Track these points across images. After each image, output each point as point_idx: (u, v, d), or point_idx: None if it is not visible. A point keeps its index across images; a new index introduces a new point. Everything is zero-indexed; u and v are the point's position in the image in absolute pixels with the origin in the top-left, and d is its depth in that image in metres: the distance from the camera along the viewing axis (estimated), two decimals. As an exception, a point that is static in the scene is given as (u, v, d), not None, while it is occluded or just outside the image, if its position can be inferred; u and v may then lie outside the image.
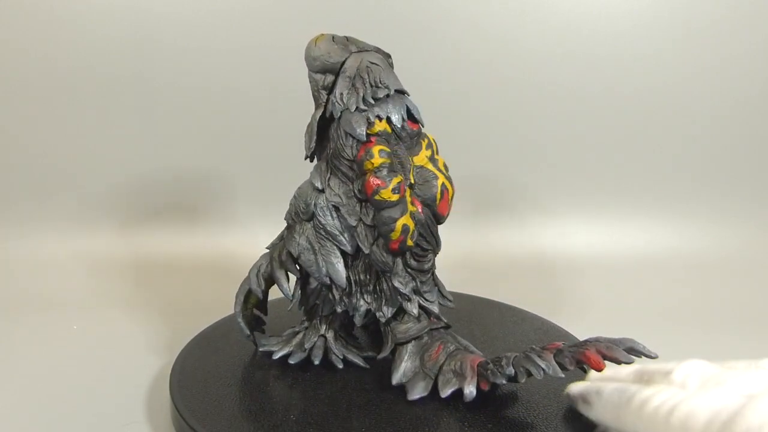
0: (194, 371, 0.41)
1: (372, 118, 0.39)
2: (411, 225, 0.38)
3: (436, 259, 0.42)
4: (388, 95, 0.39)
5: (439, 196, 0.40)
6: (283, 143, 0.69)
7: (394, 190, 0.37)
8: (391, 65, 0.42)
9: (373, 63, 0.40)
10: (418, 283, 0.40)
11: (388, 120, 0.39)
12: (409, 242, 0.38)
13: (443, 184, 0.40)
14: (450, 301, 0.42)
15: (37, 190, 0.75)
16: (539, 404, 0.38)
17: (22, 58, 0.72)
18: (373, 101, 0.39)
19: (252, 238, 0.76)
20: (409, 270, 0.40)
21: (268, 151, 0.77)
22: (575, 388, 0.36)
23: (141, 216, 0.76)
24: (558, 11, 0.75)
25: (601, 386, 0.34)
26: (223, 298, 0.63)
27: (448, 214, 0.41)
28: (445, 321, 0.42)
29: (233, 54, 0.75)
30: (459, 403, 0.37)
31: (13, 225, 0.74)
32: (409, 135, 0.40)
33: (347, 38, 0.41)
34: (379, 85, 0.39)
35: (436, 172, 0.40)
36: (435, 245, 0.41)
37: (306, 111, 0.42)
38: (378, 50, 0.42)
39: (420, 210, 0.39)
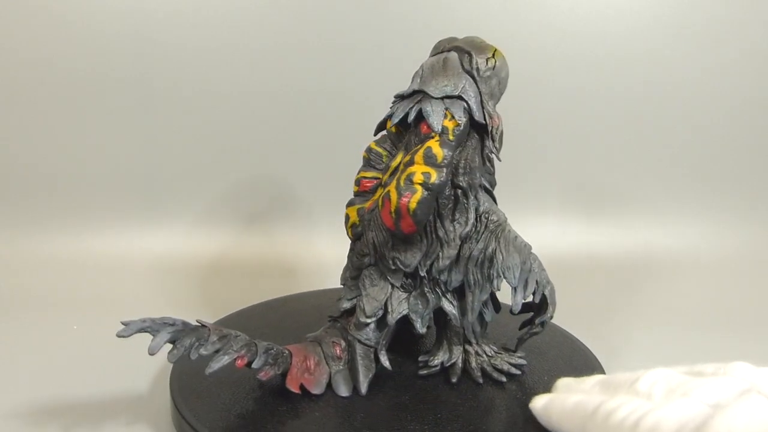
0: (194, 371, 0.41)
1: (385, 117, 0.42)
2: (354, 218, 0.41)
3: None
4: (403, 96, 0.40)
5: (380, 204, 0.38)
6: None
7: (356, 182, 0.42)
8: (464, 64, 0.40)
9: (423, 65, 0.41)
10: (348, 275, 0.42)
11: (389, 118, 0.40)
12: (348, 232, 0.42)
13: (387, 192, 0.37)
14: (368, 314, 0.40)
15: (37, 190, 0.75)
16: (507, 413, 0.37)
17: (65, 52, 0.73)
18: (393, 101, 0.41)
19: (250, 237, 0.76)
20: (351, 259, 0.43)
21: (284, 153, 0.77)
22: (539, 401, 0.34)
23: (141, 216, 0.76)
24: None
25: (566, 398, 0.32)
26: (223, 296, 0.63)
27: (395, 227, 0.37)
28: (337, 317, 0.42)
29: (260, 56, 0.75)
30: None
31: (14, 224, 0.74)
32: (417, 136, 0.39)
33: (463, 40, 0.41)
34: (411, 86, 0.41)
35: (393, 180, 0.38)
36: (371, 252, 0.40)
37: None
38: (457, 49, 0.40)
39: (366, 210, 0.41)
